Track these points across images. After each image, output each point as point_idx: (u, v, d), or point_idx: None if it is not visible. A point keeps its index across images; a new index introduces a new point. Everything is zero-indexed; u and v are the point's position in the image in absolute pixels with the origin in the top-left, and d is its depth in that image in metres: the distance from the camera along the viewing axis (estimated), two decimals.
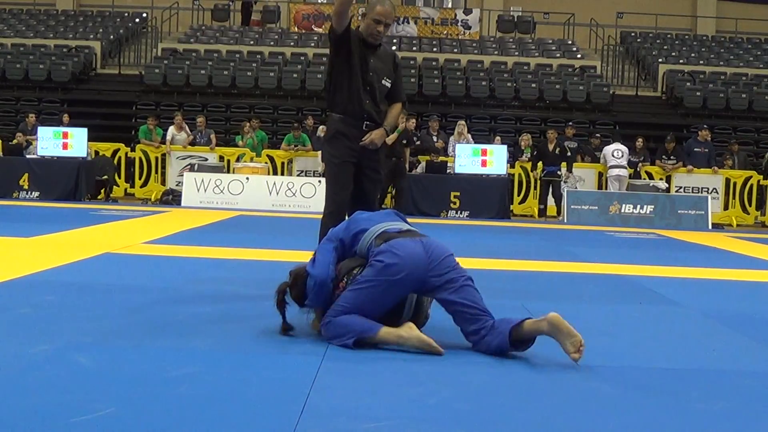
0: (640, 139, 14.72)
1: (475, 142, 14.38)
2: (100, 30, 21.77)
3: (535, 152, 13.71)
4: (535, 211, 13.92)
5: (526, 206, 14.38)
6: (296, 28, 21.88)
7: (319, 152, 14.55)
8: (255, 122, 15.33)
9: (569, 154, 13.54)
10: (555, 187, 13.39)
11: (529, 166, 14.09)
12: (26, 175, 13.00)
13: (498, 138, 15.68)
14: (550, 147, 13.37)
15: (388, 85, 4.64)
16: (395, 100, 4.71)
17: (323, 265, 3.42)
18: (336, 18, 4.46)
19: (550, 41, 22.09)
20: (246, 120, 15.84)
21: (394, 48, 20.82)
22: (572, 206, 13.21)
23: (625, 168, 13.91)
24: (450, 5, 24.55)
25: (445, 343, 3.51)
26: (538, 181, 13.76)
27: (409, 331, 3.32)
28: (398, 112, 4.71)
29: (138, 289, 4.69)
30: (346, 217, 4.33)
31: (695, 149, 14.74)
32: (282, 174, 14.34)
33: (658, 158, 14.74)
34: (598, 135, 15.83)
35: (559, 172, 13.33)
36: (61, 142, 13.28)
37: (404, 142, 12.37)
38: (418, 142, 14.17)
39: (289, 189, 13.20)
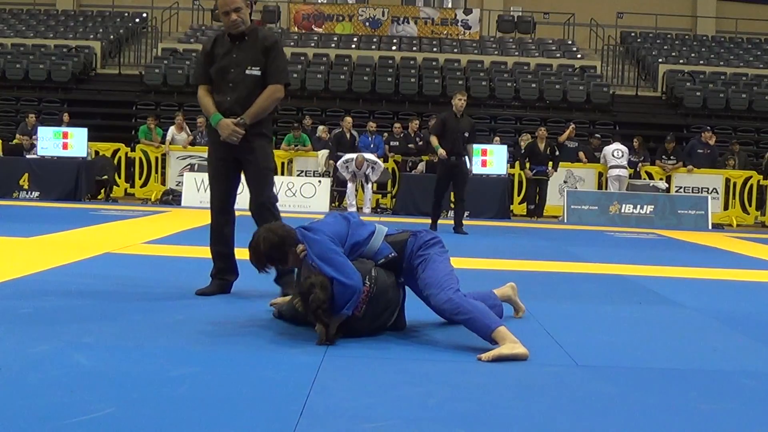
0: (636, 139, 14.71)
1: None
2: (100, 30, 21.76)
3: (525, 151, 13.65)
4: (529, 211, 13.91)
5: (526, 206, 14.37)
6: (296, 28, 21.85)
7: (318, 152, 14.55)
8: None
9: (558, 153, 13.50)
10: (542, 187, 13.35)
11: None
12: (26, 175, 13.00)
13: (498, 138, 15.68)
14: (541, 146, 13.33)
15: (257, 72, 4.56)
16: (269, 83, 4.56)
17: (356, 274, 3.44)
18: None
19: (550, 41, 22.08)
20: None
21: (393, 48, 20.81)
22: (572, 206, 13.20)
23: (625, 168, 13.90)
24: (450, 5, 24.53)
25: (445, 343, 3.51)
26: (524, 181, 13.74)
27: (517, 341, 3.36)
28: (266, 96, 4.54)
29: (138, 289, 4.69)
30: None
31: (698, 151, 14.70)
32: (282, 174, 14.33)
33: (658, 158, 14.73)
34: (598, 135, 15.83)
35: (547, 171, 13.31)
36: (61, 142, 13.28)
37: (466, 135, 9.66)
38: (421, 142, 14.13)
39: (289, 189, 13.22)
